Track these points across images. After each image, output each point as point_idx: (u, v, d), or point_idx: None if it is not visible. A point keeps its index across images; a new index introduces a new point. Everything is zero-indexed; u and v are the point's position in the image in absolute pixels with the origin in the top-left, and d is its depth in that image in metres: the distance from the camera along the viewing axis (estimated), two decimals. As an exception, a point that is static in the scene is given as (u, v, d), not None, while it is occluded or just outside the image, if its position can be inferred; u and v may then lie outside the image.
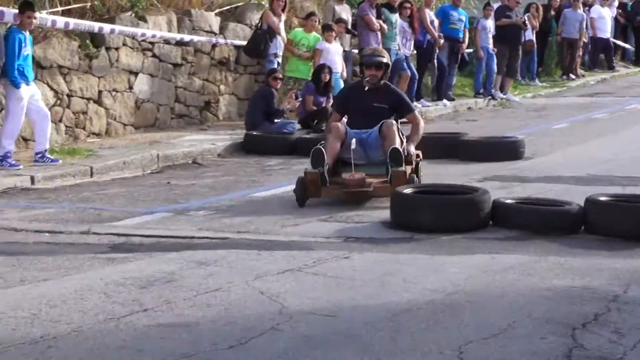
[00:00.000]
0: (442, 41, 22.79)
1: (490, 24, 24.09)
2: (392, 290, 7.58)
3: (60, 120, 15.42)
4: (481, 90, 24.16)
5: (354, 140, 11.42)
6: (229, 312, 6.82)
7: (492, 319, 6.63)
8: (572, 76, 29.17)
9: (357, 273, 8.08)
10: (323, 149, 11.12)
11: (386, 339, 6.29)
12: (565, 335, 6.34)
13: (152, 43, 17.38)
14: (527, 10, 26.96)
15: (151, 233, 9.66)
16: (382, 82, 12.45)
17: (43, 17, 14.38)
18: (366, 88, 12.31)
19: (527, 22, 25.77)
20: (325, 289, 7.55)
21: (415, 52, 22.66)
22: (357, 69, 21.26)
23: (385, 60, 12.49)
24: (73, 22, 15.31)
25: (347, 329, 6.50)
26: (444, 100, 22.96)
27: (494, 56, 24.02)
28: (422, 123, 12.88)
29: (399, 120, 12.68)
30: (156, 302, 7.00)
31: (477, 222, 10.05)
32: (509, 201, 10.54)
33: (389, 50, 20.72)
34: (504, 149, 15.25)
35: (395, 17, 21.04)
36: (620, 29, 32.49)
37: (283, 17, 19.00)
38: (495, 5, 24.91)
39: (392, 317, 6.82)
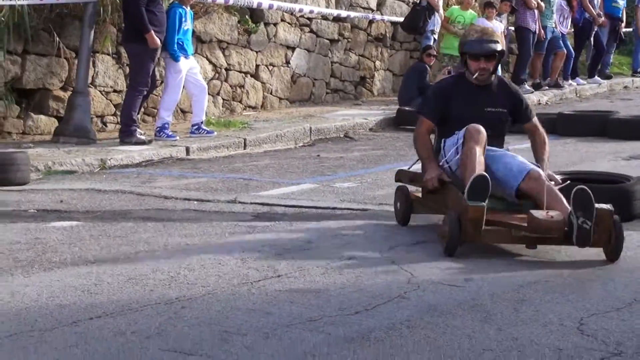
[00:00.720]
0: (601, 19, 22.51)
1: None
2: (523, 263, 7.63)
3: (217, 94, 15.76)
4: (639, 69, 23.76)
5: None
6: (359, 279, 6.92)
7: (617, 293, 6.66)
8: None
9: (490, 246, 8.08)
10: (488, 175, 7.46)
11: (509, 310, 6.34)
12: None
13: (309, 19, 17.58)
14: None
15: (294, 203, 9.79)
16: (493, 76, 8.47)
17: (204, -7, 14.71)
18: (474, 85, 8.30)
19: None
20: (456, 260, 7.67)
21: (572, 30, 22.39)
22: (513, 46, 21.22)
23: (499, 47, 8.44)
24: (234, -1, 15.58)
25: (473, 299, 6.55)
26: (597, 78, 22.59)
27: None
28: (545, 134, 8.73)
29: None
30: (290, 269, 7.15)
31: (628, 214, 9.32)
32: None
33: (545, 27, 20.64)
34: None
35: (551, -5, 20.91)
36: None
37: (442, -2, 19.07)
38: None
39: (519, 289, 6.86)
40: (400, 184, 8.87)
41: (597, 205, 7.26)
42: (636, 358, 5.37)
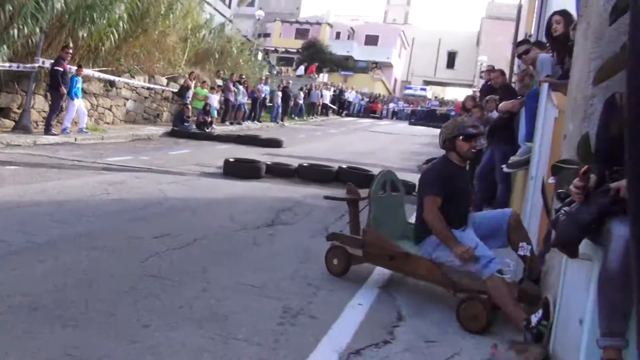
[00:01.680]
0: (262, 96, 22.70)
1: (280, 93, 24.02)
2: (214, 191, 7.60)
3: (91, 116, 14.68)
4: (274, 119, 24.05)
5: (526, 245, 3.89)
6: (144, 196, 6.81)
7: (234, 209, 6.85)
8: (312, 117, 29.17)
9: (201, 185, 8.03)
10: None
11: (204, 209, 6.45)
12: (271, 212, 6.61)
13: (135, 87, 16.75)
14: (300, 89, 27.30)
15: (120, 164, 9.30)
16: None
17: (88, 71, 13.85)
18: (458, 166, 4.30)
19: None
20: (187, 190, 7.54)
21: (249, 101, 22.37)
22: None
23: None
24: (102, 75, 14.74)
25: (192, 205, 6.58)
26: (256, 122, 22.67)
27: (280, 106, 23.96)
28: None
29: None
30: (113, 190, 6.95)
31: (258, 175, 9.11)
32: (268, 162, 9.77)
33: (236, 99, 20.58)
34: (274, 142, 14.96)
35: (240, 86, 20.87)
36: (331, 100, 32.98)
37: (194, 82, 18.62)
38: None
39: (209, 200, 6.96)
40: (336, 243, 4.56)
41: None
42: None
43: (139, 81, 16.85)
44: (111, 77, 15.30)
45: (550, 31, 4.87)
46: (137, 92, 16.95)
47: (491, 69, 10.13)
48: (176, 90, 18.51)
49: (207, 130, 16.87)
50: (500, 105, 6.84)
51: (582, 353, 2.51)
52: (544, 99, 4.91)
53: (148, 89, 17.45)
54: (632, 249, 1.83)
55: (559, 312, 3.02)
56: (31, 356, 2.69)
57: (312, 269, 4.64)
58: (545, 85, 4.86)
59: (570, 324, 2.81)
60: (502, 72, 8.56)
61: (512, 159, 5.84)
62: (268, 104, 23.94)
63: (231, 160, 9.58)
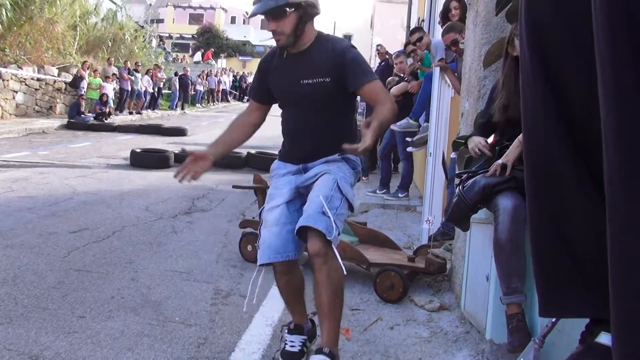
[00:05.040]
0: (162, 84, 22.00)
1: (177, 80, 23.47)
2: (125, 183, 7.45)
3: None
4: (174, 107, 23.38)
5: None
6: (52, 192, 6.60)
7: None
8: (214, 104, 28.74)
9: (110, 177, 7.82)
10: None
11: (117, 201, 6.35)
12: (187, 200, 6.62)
13: (24, 78, 15.78)
14: (198, 76, 26.70)
15: (19, 160, 8.89)
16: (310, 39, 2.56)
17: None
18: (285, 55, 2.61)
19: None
20: (96, 183, 7.38)
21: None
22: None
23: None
24: (-15, 66, 13.86)
25: (105, 198, 6.45)
26: (155, 111, 22.11)
27: (180, 94, 23.44)
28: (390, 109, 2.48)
29: None
30: (18, 187, 6.68)
31: (167, 165, 8.72)
32: (176, 151, 9.31)
33: (137, 90, 19.81)
34: (179, 130, 14.63)
35: (138, 74, 20.16)
36: (231, 85, 32.67)
37: (87, 72, 17.82)
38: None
39: (121, 192, 6.85)
40: (248, 229, 4.53)
41: None
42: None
43: (28, 72, 15.94)
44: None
45: (447, 15, 5.27)
46: (26, 84, 16.05)
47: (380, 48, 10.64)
48: (69, 81, 17.67)
49: (106, 121, 16.28)
50: (393, 89, 7.06)
51: (490, 305, 2.81)
52: (437, 81, 5.30)
53: (38, 79, 16.57)
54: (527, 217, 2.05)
55: (467, 273, 3.36)
56: (-32, 356, 2.66)
57: (234, 252, 4.75)
58: (438, 68, 5.25)
59: (478, 281, 3.14)
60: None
61: (415, 137, 6.23)
62: (165, 92, 23.34)
63: (138, 150, 9.39)
